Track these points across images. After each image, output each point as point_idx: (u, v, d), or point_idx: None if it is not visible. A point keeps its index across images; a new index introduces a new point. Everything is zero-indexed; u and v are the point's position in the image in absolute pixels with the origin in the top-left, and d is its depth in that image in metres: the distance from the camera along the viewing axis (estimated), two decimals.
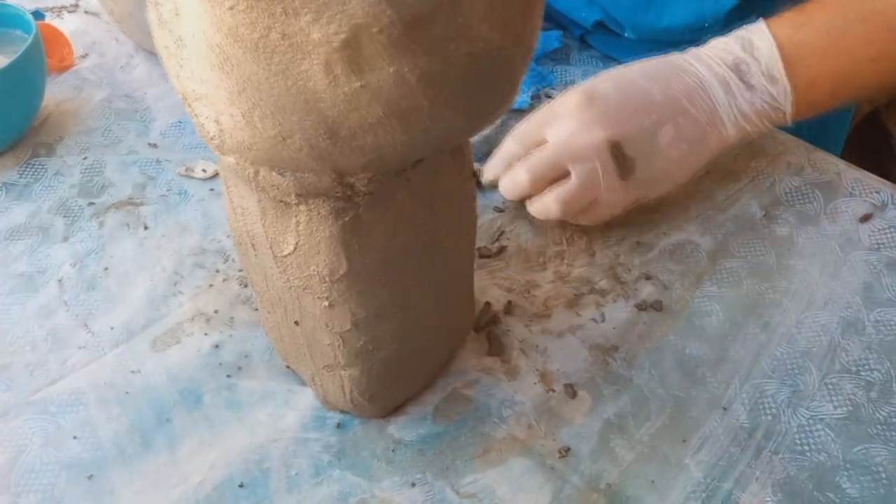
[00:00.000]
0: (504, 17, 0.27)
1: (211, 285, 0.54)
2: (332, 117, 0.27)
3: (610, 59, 0.72)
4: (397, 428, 0.45)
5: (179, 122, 0.67)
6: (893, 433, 0.44)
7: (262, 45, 0.26)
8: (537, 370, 0.48)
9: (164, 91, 0.71)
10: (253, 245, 0.38)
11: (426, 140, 0.30)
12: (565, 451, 0.44)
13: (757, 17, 0.55)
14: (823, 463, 0.43)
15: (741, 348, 0.49)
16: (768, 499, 0.42)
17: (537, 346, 0.49)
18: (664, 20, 0.67)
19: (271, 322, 0.44)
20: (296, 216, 0.33)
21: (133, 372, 0.48)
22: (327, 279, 0.35)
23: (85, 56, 0.77)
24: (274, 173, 0.31)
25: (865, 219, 0.56)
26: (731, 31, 0.55)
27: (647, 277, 0.53)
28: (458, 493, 0.42)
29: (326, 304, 0.37)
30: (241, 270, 0.54)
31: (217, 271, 0.55)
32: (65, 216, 0.59)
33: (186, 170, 0.62)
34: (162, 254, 0.56)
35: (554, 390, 0.47)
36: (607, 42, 0.72)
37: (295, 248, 0.35)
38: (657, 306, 0.51)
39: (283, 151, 0.29)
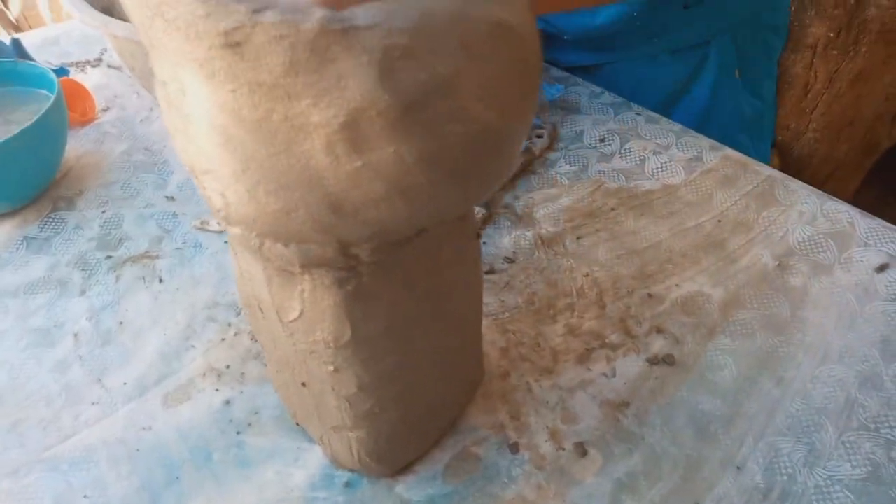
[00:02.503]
0: (499, 97, 0.27)
1: (223, 339, 0.54)
2: (336, 193, 0.28)
3: (551, 65, 0.80)
4: (406, 488, 0.45)
5: None
6: None
7: (264, 125, 0.27)
8: (547, 427, 0.48)
9: None
10: (260, 308, 0.39)
11: (428, 213, 0.30)
12: None
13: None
14: None
15: (755, 404, 0.48)
16: None
17: (547, 402, 0.49)
18: (598, 18, 0.70)
19: (280, 381, 0.45)
20: (300, 285, 0.34)
21: (144, 429, 0.49)
22: (332, 345, 0.35)
23: (107, 109, 0.79)
24: (279, 245, 0.32)
25: (881, 269, 0.55)
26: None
27: (659, 331, 0.53)
28: None
29: (332, 368, 0.37)
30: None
31: (229, 325, 0.55)
32: (83, 269, 0.60)
33: (202, 223, 0.64)
34: (176, 308, 0.57)
35: (564, 448, 0.46)
36: (549, 47, 0.76)
37: (300, 315, 0.35)
38: (669, 360, 0.51)
39: (287, 225, 0.30)
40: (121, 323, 0.56)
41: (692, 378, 0.50)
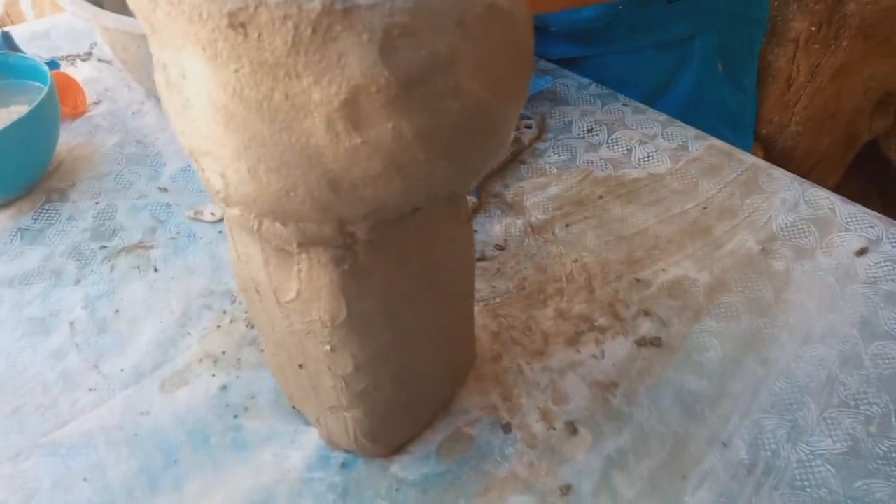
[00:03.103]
0: (493, 76, 0.28)
1: (219, 326, 0.55)
2: (335, 171, 0.29)
3: (538, 58, 0.81)
4: (400, 467, 0.46)
5: (188, 166, 0.69)
6: (893, 468, 0.44)
7: (265, 104, 0.28)
8: (538, 408, 0.49)
9: (174, 136, 0.73)
10: (257, 290, 0.39)
11: (423, 190, 0.31)
12: (566, 489, 0.44)
13: None
14: (824, 499, 0.43)
15: (740, 383, 0.49)
16: None
17: (538, 384, 0.50)
18: (584, 11, 0.71)
19: (276, 364, 0.45)
20: (297, 264, 0.35)
21: (142, 414, 0.49)
22: (328, 324, 0.36)
23: (98, 102, 0.79)
24: (277, 224, 0.33)
25: (861, 253, 0.57)
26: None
27: (646, 314, 0.54)
28: None
29: (328, 348, 0.38)
30: (247, 312, 0.56)
31: (224, 312, 0.56)
32: (77, 260, 0.61)
33: (195, 213, 0.64)
34: (171, 296, 0.57)
35: (555, 428, 0.48)
36: (536, 40, 0.78)
37: (297, 295, 0.36)
38: (656, 342, 0.52)
39: (286, 204, 0.31)
40: (116, 311, 0.56)
41: (679, 359, 0.51)
